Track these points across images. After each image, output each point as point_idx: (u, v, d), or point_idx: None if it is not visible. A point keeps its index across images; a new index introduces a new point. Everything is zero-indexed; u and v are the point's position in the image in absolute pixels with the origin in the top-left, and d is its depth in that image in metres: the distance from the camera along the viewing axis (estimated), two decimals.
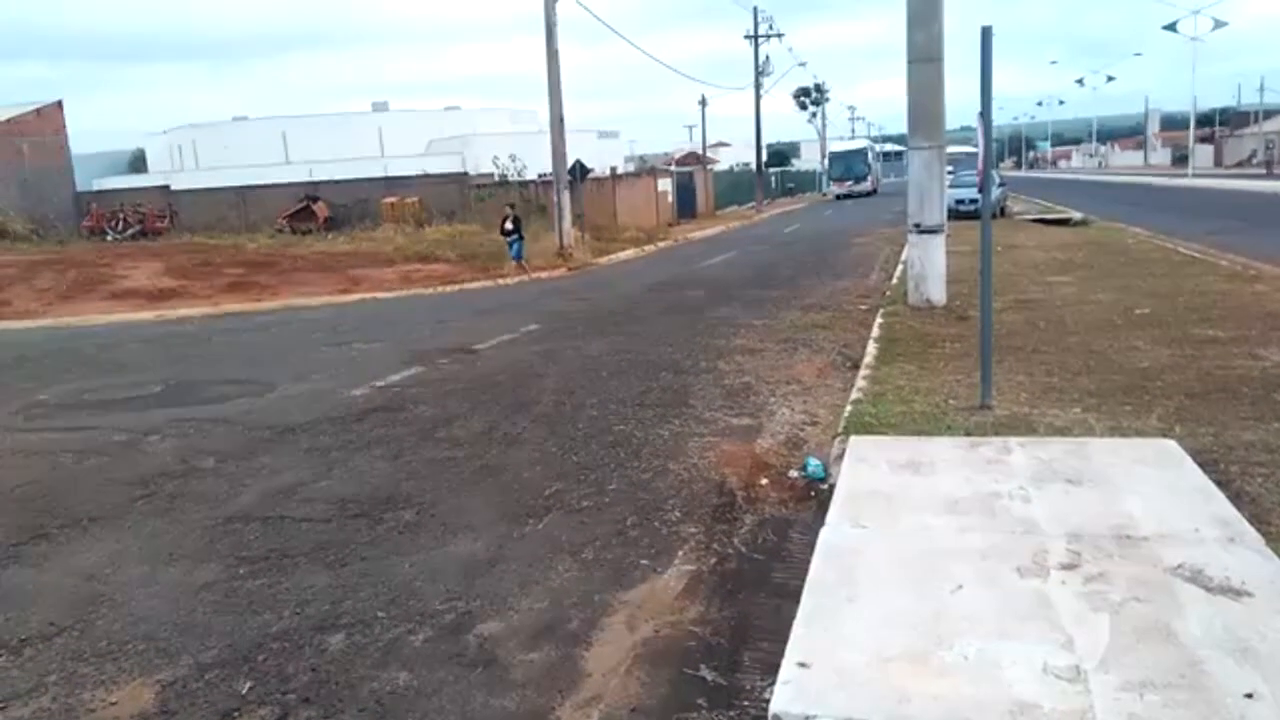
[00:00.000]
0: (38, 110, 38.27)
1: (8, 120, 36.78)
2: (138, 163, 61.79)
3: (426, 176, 35.54)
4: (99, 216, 34.98)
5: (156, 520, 5.80)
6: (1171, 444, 5.46)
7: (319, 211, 33.67)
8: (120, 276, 20.99)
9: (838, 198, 59.04)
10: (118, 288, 19.75)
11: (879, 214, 35.20)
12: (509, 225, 21.36)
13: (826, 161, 67.03)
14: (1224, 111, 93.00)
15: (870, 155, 64.73)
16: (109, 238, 33.28)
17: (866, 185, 60.76)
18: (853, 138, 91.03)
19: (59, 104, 39.44)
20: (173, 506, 6.04)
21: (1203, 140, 78.30)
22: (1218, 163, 79.73)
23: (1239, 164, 74.06)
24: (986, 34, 6.48)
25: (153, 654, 4.10)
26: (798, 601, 3.79)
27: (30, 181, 35.73)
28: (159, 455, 7.25)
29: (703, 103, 60.38)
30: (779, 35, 52.12)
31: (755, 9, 49.71)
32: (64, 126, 39.34)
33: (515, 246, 21.38)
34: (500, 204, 31.66)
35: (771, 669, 3.39)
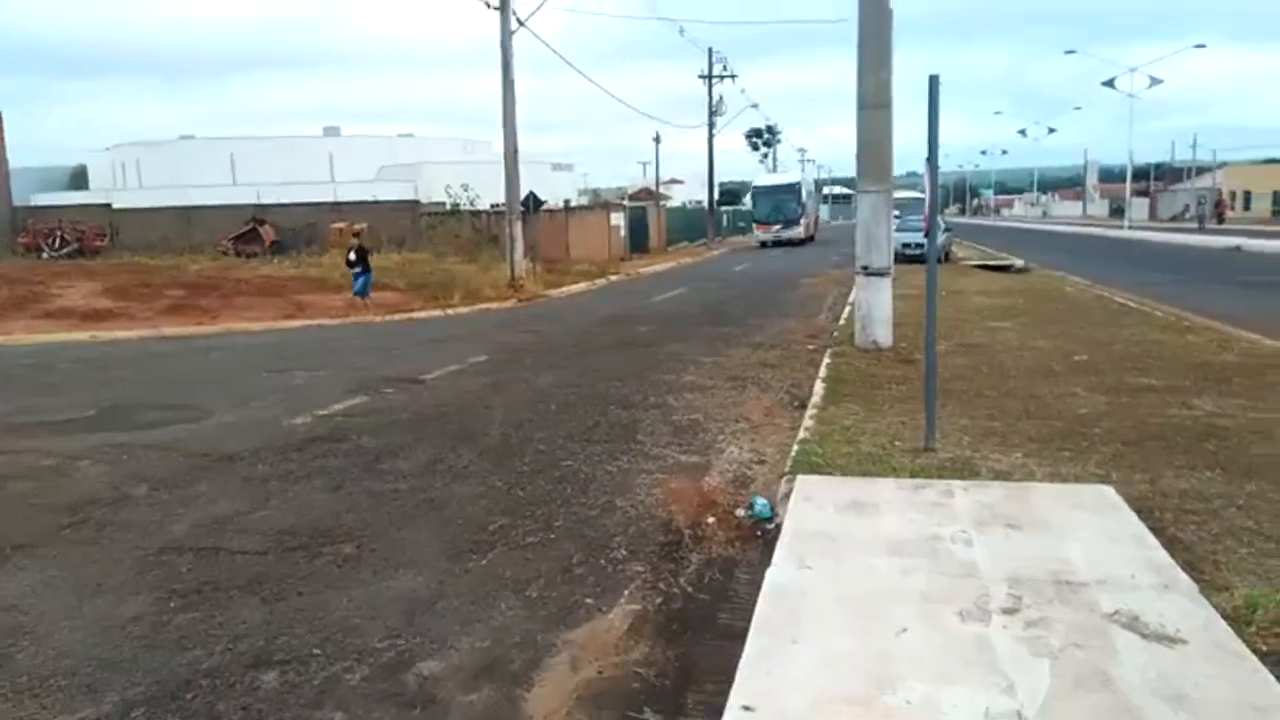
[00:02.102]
0: None
1: None
2: (79, 179, 60.37)
3: (377, 203, 35.31)
4: (35, 233, 34.05)
5: (84, 549, 5.60)
6: (1109, 490, 5.57)
7: (265, 235, 33.19)
8: (55, 295, 20.43)
9: (763, 245, 48.35)
10: (51, 307, 19.21)
11: (827, 255, 35.74)
12: (352, 256, 19.32)
13: (750, 198, 55.35)
14: (1159, 166, 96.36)
15: (805, 192, 51.81)
16: (45, 255, 32.40)
17: (798, 230, 49.15)
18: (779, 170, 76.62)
19: None
20: (102, 535, 5.84)
21: (1139, 193, 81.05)
22: (1152, 215, 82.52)
23: (1173, 218, 76.69)
24: (934, 82, 6.64)
25: (76, 690, 3.93)
26: (743, 642, 3.77)
27: None
28: (89, 481, 7.02)
29: (657, 139, 60.85)
30: (733, 76, 52.88)
31: (710, 50, 50.56)
32: (2, 140, 38.39)
33: (359, 281, 19.27)
34: (450, 233, 31.66)
35: (716, 711, 3.36)
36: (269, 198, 37.02)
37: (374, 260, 22.66)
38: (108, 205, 38.41)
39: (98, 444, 8.11)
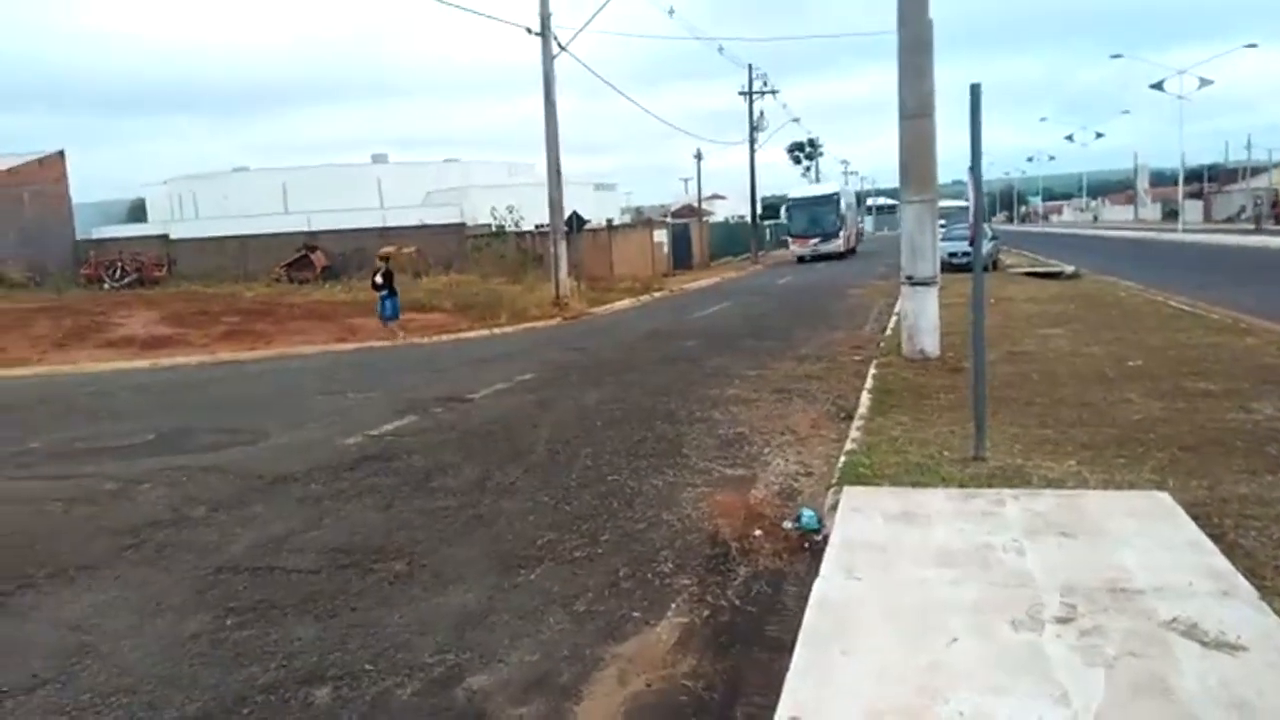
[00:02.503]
0: (40, 160, 38.67)
1: (10, 170, 37.11)
2: (137, 212, 62.21)
3: (424, 227, 35.83)
4: (97, 265, 35.11)
5: (145, 570, 5.74)
6: (1165, 497, 5.45)
7: (317, 261, 33.85)
8: (116, 324, 21.01)
9: (800, 260, 45.22)
10: (113, 336, 19.75)
11: (873, 267, 35.40)
12: (379, 279, 19.03)
13: (785, 211, 51.42)
14: (1212, 168, 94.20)
15: (843, 204, 48.76)
16: (106, 286, 33.37)
17: (838, 243, 46.35)
18: (818, 180, 72.79)
19: (61, 153, 39.86)
20: (161, 556, 5.99)
21: (1192, 196, 79.19)
22: (1207, 217, 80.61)
23: (1228, 219, 74.88)
24: (976, 91, 6.60)
25: (136, 707, 4.03)
26: (791, 654, 3.75)
27: (30, 230, 35.95)
28: (149, 504, 7.20)
29: (698, 156, 61.00)
30: (774, 92, 52.80)
31: (750, 66, 50.55)
32: (65, 175, 39.72)
33: (387, 304, 18.93)
34: (496, 254, 32.00)
35: None
36: (320, 225, 37.80)
37: (423, 283, 22.82)
38: (165, 236, 39.53)
39: (157, 467, 8.32)
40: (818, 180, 75.00)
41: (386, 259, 20.00)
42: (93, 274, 34.65)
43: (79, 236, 39.66)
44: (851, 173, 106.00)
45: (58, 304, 25.34)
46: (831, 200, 47.94)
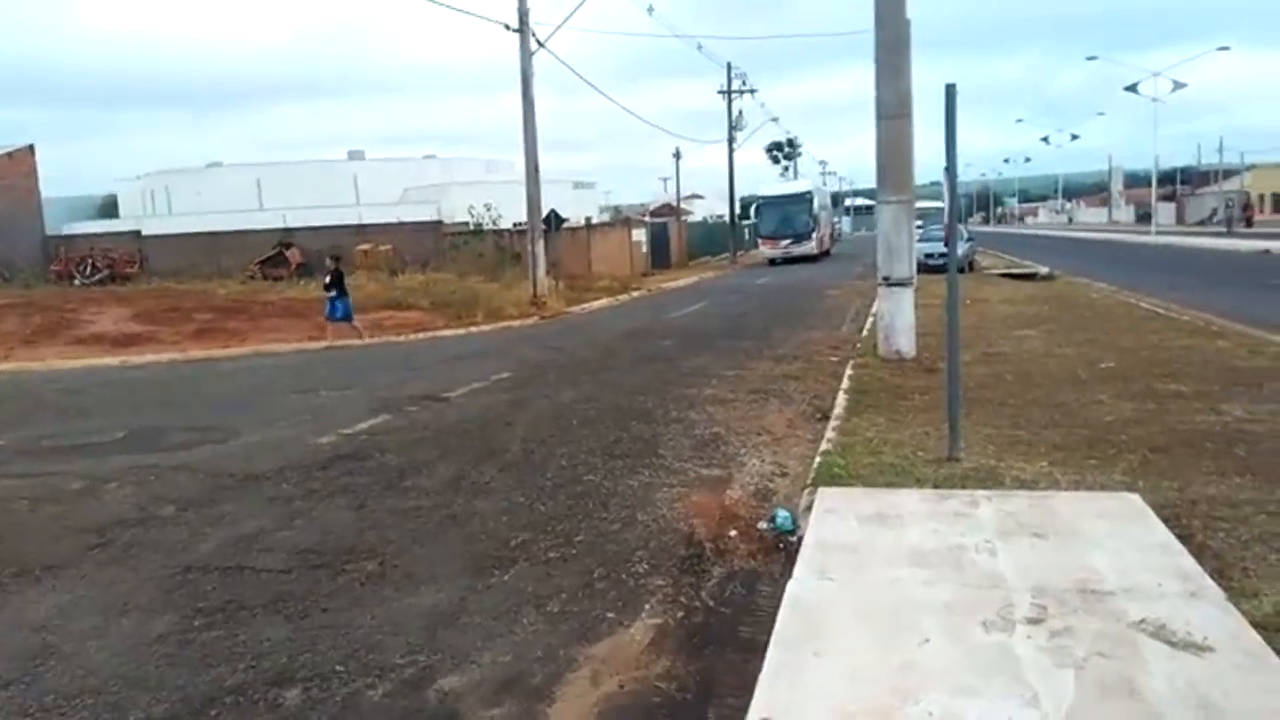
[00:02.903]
0: (9, 154, 38.09)
1: None
2: (109, 208, 61.45)
3: (401, 224, 35.62)
4: (67, 261, 34.64)
5: (111, 570, 5.66)
6: (1135, 498, 5.50)
7: (292, 258, 33.55)
8: (86, 321, 20.75)
9: (771, 262, 43.46)
10: (83, 333, 19.51)
11: (849, 268, 35.58)
12: (327, 280, 18.14)
13: (755, 211, 48.64)
14: (1185, 170, 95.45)
15: (816, 203, 46.17)
16: (77, 282, 32.94)
17: (810, 245, 44.16)
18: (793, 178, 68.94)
19: (30, 148, 39.28)
20: (129, 556, 5.90)
21: (1165, 198, 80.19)
22: (1179, 220, 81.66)
23: (1200, 222, 75.85)
24: (951, 92, 6.63)
25: (101, 709, 3.97)
26: (764, 655, 3.75)
27: None
28: (117, 503, 7.10)
29: (677, 155, 61.10)
30: (752, 91, 52.83)
31: (729, 65, 50.63)
32: (35, 170, 39.14)
33: (337, 306, 17.95)
34: (473, 252, 31.86)
35: None
36: (295, 222, 37.45)
37: (399, 281, 22.50)
38: (137, 233, 39.02)
39: (125, 466, 8.21)
40: (795, 179, 72.60)
41: (337, 259, 19.06)
42: (63, 270, 34.20)
43: (49, 232, 39.08)
44: (830, 173, 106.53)
45: (26, 300, 24.98)
46: (804, 199, 45.66)
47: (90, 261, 34.42)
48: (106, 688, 4.14)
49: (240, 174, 54.62)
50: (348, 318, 18.24)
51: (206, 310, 22.35)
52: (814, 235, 44.68)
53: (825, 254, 47.95)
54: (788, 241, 43.86)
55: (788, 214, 44.66)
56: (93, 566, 5.74)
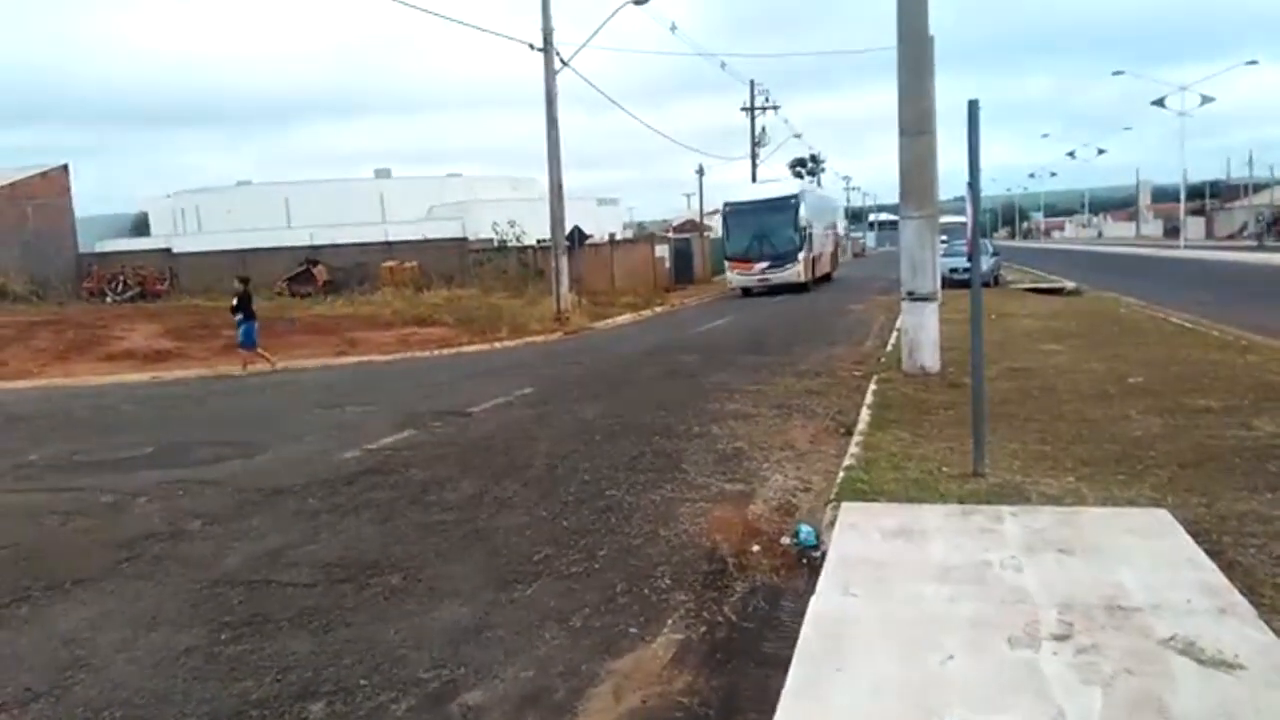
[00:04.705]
0: (43, 173, 38.77)
1: (13, 183, 37.22)
2: (141, 226, 62.42)
3: (426, 241, 35.91)
4: (99, 278, 35.19)
5: (140, 583, 5.73)
6: (1164, 514, 5.43)
7: (319, 275, 33.92)
8: (117, 338, 21.03)
9: (745, 292, 33.40)
10: (114, 349, 19.78)
11: (871, 282, 35.39)
12: (234, 302, 17.17)
13: (722, 221, 37.42)
14: (1214, 184, 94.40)
15: (804, 212, 33.66)
16: (108, 299, 33.43)
17: (793, 269, 32.82)
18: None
19: (64, 167, 39.97)
20: (157, 569, 5.97)
21: (1194, 212, 79.32)
22: (1209, 234, 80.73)
23: (1230, 236, 75.01)
24: (974, 108, 6.62)
25: None
26: (787, 671, 3.74)
27: (33, 243, 36.01)
28: (146, 517, 7.19)
29: (700, 172, 61.04)
30: (775, 107, 52.91)
31: (752, 82, 50.75)
32: (69, 189, 39.81)
33: (243, 329, 17.01)
34: (497, 269, 32.05)
35: None
36: (322, 239, 37.89)
37: (424, 297, 22.46)
38: (168, 250, 39.62)
39: (155, 481, 8.31)
40: (820, 187, 62.00)
41: (245, 282, 17.64)
42: (95, 287, 34.73)
43: (81, 250, 39.73)
44: (854, 188, 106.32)
45: (59, 317, 25.37)
46: (787, 206, 33.39)
47: (121, 279, 34.93)
48: (135, 701, 4.19)
49: (269, 192, 55.39)
50: (249, 343, 17.12)
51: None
52: (800, 255, 33.04)
53: (826, 279, 38.73)
54: (764, 265, 32.99)
55: (764, 226, 32.94)
56: (122, 580, 5.80)
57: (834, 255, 44.39)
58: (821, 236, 38.81)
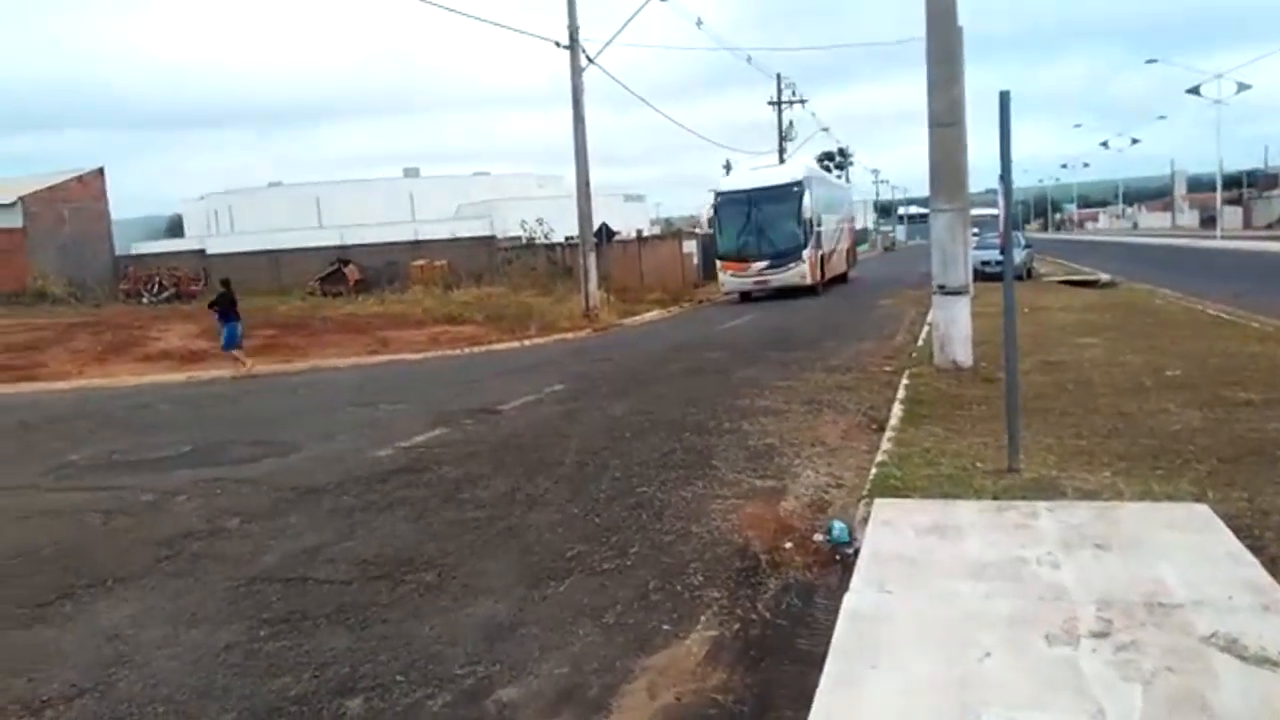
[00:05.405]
0: (80, 177, 39.49)
1: (51, 187, 37.93)
2: (175, 227, 63.39)
3: (455, 240, 36.16)
4: (135, 280, 35.80)
5: (180, 581, 5.82)
6: (1204, 509, 5.35)
7: (350, 274, 34.28)
8: (153, 339, 21.36)
9: (743, 296, 28.91)
10: (151, 350, 20.08)
11: (903, 275, 35.07)
12: (217, 301, 17.05)
13: (712, 213, 32.28)
14: (1251, 174, 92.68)
15: (809, 201, 28.67)
16: (144, 300, 33.98)
17: (798, 268, 28.26)
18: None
19: (100, 171, 40.68)
20: (196, 567, 6.06)
21: (1231, 202, 77.98)
22: (1247, 224, 79.27)
23: (1269, 225, 73.62)
24: (1005, 99, 6.55)
25: (172, 717, 4.08)
26: (821, 668, 3.73)
27: (70, 246, 36.69)
28: (185, 515, 7.30)
29: (727, 167, 60.78)
30: (802, 101, 52.63)
31: (779, 76, 50.51)
32: (105, 192, 40.53)
33: (227, 330, 16.86)
34: (526, 266, 32.17)
35: None
36: (353, 239, 38.29)
37: (454, 296, 22.48)
38: (201, 251, 40.23)
39: (193, 479, 8.44)
40: (847, 182, 57.34)
41: (227, 284, 17.35)
42: (131, 289, 35.33)
43: (118, 252, 40.41)
44: (883, 181, 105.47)
45: (97, 318, 25.82)
46: (789, 195, 28.55)
47: (157, 280, 35.52)
48: (176, 696, 4.26)
49: (300, 193, 55.97)
50: (230, 345, 16.95)
51: (268, 326, 22.85)
52: (805, 253, 28.33)
53: (840, 279, 34.39)
54: (762, 265, 28.34)
55: (763, 219, 28.52)
56: (162, 577, 5.90)
57: (849, 252, 38.89)
58: (833, 230, 33.78)
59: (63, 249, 36.44)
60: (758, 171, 33.32)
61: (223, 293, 17.09)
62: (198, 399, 14.49)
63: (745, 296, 28.89)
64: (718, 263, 29.87)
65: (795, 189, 28.71)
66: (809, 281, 28.68)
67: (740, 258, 28.68)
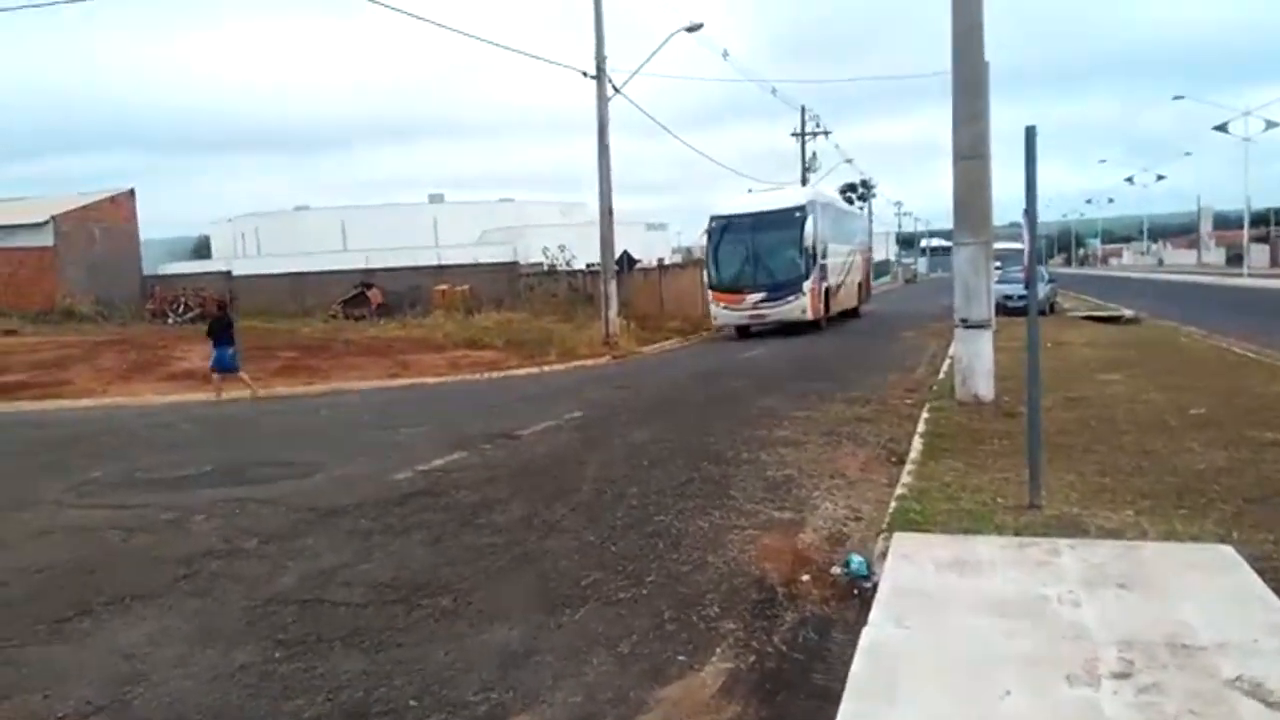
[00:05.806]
0: (111, 197, 40.15)
1: (83, 207, 38.56)
2: (202, 249, 64.13)
3: (478, 265, 36.43)
4: (162, 300, 36.25)
5: (198, 600, 5.84)
6: (1228, 550, 5.28)
7: (373, 298, 34.58)
8: (178, 358, 21.55)
9: (741, 332, 27.05)
10: (175, 369, 20.26)
11: (925, 307, 34.96)
12: (211, 324, 16.72)
13: (705, 239, 28.69)
14: (1279, 211, 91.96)
15: (811, 228, 26.13)
16: (170, 320, 34.37)
17: (797, 302, 25.91)
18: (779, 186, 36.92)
19: (131, 191, 41.34)
20: (214, 586, 6.08)
21: (1258, 240, 77.29)
22: (1274, 262, 78.46)
23: None
24: (1031, 134, 6.56)
25: None
26: (838, 704, 3.69)
27: (99, 265, 37.24)
28: (204, 535, 7.33)
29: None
30: (826, 133, 52.87)
31: (803, 108, 50.78)
32: (135, 213, 41.16)
33: (221, 355, 16.40)
34: (547, 293, 32.32)
35: None
36: (377, 263, 38.61)
37: (475, 321, 22.50)
38: (227, 273, 40.72)
39: (213, 499, 8.48)
40: (870, 221, 56.73)
41: (223, 307, 17.16)
42: (157, 309, 35.78)
43: (146, 272, 40.96)
44: (905, 213, 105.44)
45: (123, 337, 26.12)
46: (790, 221, 26.17)
47: (183, 301, 35.95)
48: (191, 716, 4.26)
49: (326, 217, 56.57)
50: (220, 367, 16.50)
51: (291, 348, 23.05)
52: (806, 285, 25.91)
53: (851, 314, 31.99)
54: (758, 297, 26.01)
55: (760, 246, 26.31)
56: (180, 596, 5.92)
57: (862, 285, 35.44)
58: (842, 261, 30.95)
59: (92, 268, 36.99)
60: (758, 195, 30.32)
61: (217, 318, 16.88)
62: (219, 419, 14.60)
63: (742, 332, 26.83)
64: (709, 294, 27.34)
65: (797, 214, 26.42)
66: (810, 316, 26.29)
67: (734, 288, 26.43)
